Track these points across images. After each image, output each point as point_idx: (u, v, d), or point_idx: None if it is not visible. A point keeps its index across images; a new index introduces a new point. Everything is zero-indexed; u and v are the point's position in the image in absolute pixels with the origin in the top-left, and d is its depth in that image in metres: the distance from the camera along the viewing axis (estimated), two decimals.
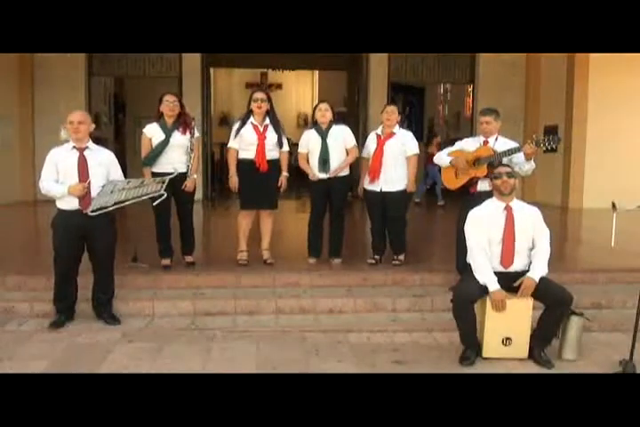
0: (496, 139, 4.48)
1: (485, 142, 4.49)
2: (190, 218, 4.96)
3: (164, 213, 4.79)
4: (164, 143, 4.69)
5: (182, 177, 4.70)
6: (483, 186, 4.42)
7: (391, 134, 4.99)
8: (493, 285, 3.55)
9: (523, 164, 4.28)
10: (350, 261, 5.20)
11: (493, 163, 4.29)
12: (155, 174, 4.64)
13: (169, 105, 4.71)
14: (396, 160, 4.94)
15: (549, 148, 4.21)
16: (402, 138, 4.99)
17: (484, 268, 3.59)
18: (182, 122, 4.76)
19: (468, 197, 4.51)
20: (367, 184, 5.07)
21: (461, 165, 4.50)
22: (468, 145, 4.60)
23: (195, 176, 4.80)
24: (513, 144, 4.39)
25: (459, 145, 4.69)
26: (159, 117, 4.78)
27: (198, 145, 4.85)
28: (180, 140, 4.71)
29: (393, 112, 4.97)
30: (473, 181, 4.46)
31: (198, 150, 4.85)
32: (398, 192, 4.97)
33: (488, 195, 4.09)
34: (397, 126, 5.03)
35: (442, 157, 4.69)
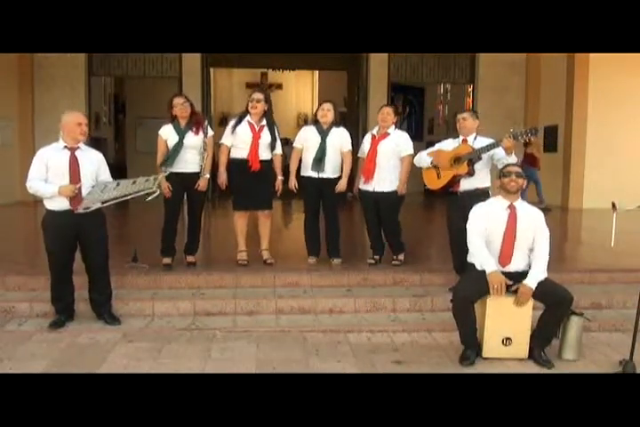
0: (475, 138, 4.50)
1: (464, 141, 4.51)
2: (199, 216, 4.99)
3: (175, 213, 4.83)
4: (178, 145, 4.72)
5: (195, 177, 4.76)
6: (466, 185, 4.44)
7: (385, 135, 4.97)
8: (491, 266, 3.55)
9: (504, 158, 4.27)
10: (350, 261, 5.19)
11: (473, 159, 4.33)
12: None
13: (180, 108, 4.73)
14: (389, 161, 4.93)
15: (527, 140, 4.27)
16: (396, 138, 4.97)
17: (481, 250, 3.61)
18: (195, 122, 4.79)
19: (452, 198, 4.55)
20: (362, 184, 5.08)
21: (443, 162, 4.49)
22: (447, 145, 4.62)
23: (207, 176, 4.82)
24: (492, 141, 4.39)
25: (437, 145, 4.71)
26: (173, 119, 4.80)
27: (211, 143, 4.86)
28: (192, 141, 4.74)
29: (389, 113, 4.95)
30: (455, 180, 4.47)
31: (211, 149, 4.87)
32: (391, 193, 4.95)
33: (472, 194, 4.11)
34: (393, 127, 5.02)
35: (422, 158, 4.70)
